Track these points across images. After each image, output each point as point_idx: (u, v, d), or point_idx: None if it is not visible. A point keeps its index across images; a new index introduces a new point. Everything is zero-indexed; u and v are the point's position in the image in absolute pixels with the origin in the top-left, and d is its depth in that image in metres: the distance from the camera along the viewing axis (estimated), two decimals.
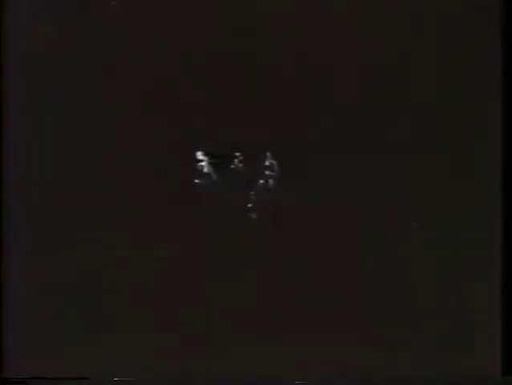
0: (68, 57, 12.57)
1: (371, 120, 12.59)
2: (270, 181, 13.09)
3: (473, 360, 11.53)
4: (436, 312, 11.87)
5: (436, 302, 11.91)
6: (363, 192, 12.42)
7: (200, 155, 13.03)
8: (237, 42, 12.45)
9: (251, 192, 12.86)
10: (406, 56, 12.66)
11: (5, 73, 12.34)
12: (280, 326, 11.90)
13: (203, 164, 12.94)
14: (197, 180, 12.87)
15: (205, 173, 12.93)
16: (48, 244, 12.10)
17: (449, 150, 12.47)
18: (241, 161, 13.16)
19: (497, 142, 12.09)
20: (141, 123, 12.51)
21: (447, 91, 12.64)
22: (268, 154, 13.07)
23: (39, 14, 12.42)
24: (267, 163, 13.07)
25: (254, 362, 11.66)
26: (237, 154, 13.41)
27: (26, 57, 12.67)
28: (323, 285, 12.06)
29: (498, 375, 11.45)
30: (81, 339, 11.74)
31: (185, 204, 12.64)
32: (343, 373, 11.51)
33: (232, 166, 13.22)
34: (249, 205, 12.67)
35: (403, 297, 11.93)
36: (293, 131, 12.65)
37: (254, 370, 11.61)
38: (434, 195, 12.31)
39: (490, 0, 12.51)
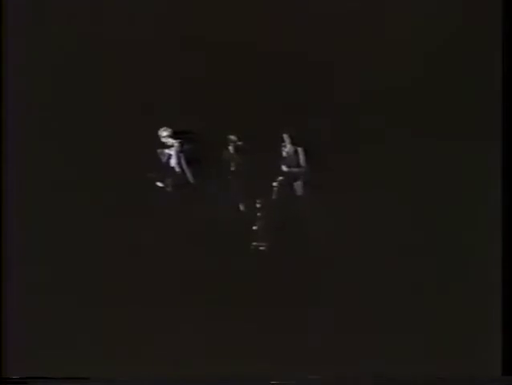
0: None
1: (370, 120, 12.57)
2: (297, 184, 11.24)
3: (473, 360, 11.52)
4: (437, 312, 11.86)
5: (437, 303, 11.91)
6: (364, 190, 12.42)
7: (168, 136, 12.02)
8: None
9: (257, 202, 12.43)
10: (406, 57, 12.64)
11: (5, 74, 12.34)
12: (282, 326, 11.89)
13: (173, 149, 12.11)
14: (160, 183, 12.06)
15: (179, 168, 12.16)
16: (48, 244, 12.09)
17: (449, 150, 12.46)
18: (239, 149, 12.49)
19: (498, 142, 12.09)
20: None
21: (447, 91, 12.63)
22: (286, 137, 11.74)
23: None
24: (285, 152, 12.01)
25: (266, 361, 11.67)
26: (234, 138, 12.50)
27: (25, 57, 12.66)
28: (329, 286, 12.07)
29: (498, 375, 11.46)
30: (81, 339, 11.73)
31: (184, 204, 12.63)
32: (343, 373, 11.51)
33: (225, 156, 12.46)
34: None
35: (403, 297, 11.92)
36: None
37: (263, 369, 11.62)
38: (434, 195, 12.31)
39: (490, 0, 12.50)
